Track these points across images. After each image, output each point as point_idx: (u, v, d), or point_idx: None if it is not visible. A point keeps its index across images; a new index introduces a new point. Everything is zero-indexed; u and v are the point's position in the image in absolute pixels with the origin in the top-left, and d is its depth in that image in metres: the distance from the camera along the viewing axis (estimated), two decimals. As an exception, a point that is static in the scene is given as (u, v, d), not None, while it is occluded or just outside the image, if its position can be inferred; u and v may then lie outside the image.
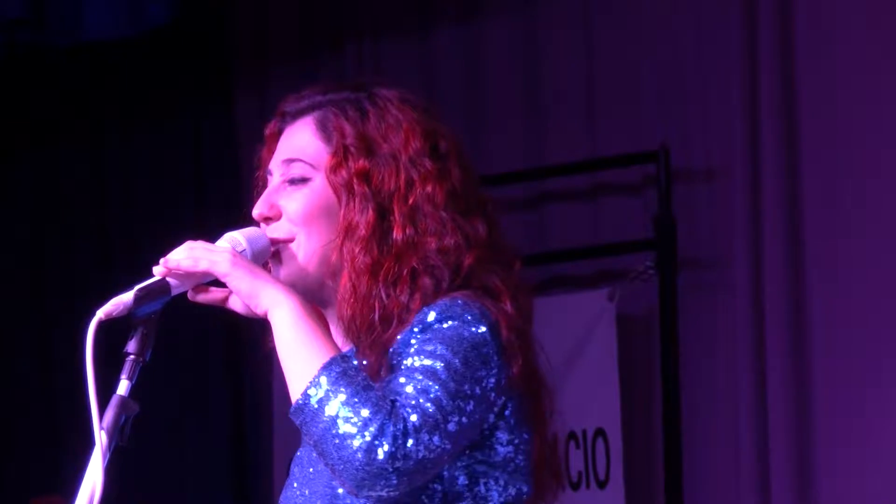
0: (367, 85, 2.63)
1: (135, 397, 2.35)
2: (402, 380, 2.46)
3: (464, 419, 2.42)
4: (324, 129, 2.66)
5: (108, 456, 2.33)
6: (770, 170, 5.13)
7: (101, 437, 2.33)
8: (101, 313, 2.36)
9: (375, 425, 2.41)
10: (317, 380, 2.47)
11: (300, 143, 2.67)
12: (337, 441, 2.41)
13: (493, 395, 2.46)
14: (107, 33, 5.80)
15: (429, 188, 2.57)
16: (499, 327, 2.51)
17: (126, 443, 2.35)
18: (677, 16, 5.50)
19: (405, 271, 2.56)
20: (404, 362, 2.51)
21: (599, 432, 5.20)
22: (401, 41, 6.09)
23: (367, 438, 2.38)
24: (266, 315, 2.53)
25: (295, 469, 2.69)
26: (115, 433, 2.35)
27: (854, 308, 4.89)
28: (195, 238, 2.59)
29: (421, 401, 2.42)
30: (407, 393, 2.44)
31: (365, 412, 2.44)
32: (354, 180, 2.59)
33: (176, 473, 6.08)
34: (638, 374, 5.38)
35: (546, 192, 5.62)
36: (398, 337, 2.52)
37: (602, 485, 5.21)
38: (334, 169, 2.62)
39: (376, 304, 2.54)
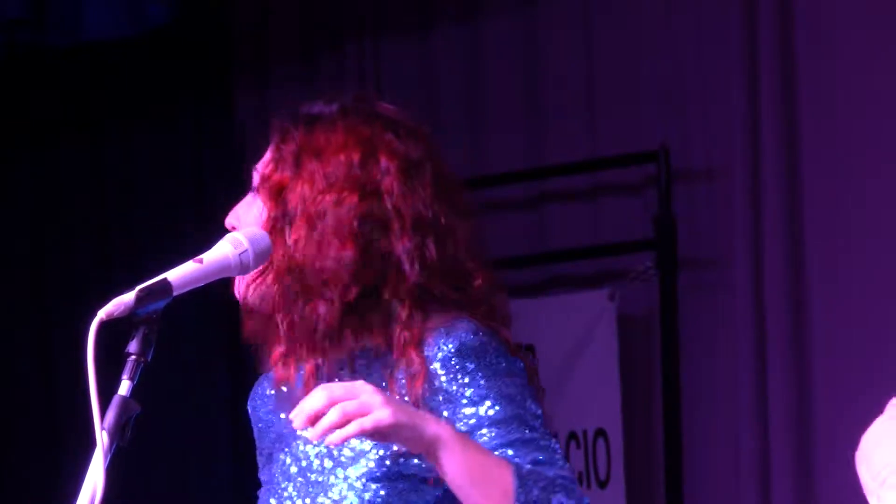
0: (338, 97, 2.73)
1: (136, 398, 2.34)
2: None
3: None
4: (276, 150, 2.75)
5: (109, 457, 2.33)
6: (770, 170, 5.13)
7: (102, 438, 2.32)
8: (102, 313, 2.35)
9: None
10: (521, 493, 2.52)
11: (266, 155, 2.75)
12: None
13: None
14: (106, 33, 5.85)
15: (436, 195, 2.66)
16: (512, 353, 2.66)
17: (127, 444, 2.34)
18: (677, 15, 5.50)
19: (439, 269, 2.65)
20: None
21: (600, 432, 5.21)
22: (401, 41, 6.09)
23: None
24: (430, 453, 2.56)
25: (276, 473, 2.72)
26: (117, 434, 2.34)
27: (855, 308, 4.90)
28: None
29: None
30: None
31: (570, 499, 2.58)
32: (283, 192, 2.70)
33: (177, 475, 5.92)
34: (638, 374, 5.37)
35: (546, 192, 5.62)
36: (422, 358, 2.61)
37: (602, 485, 5.22)
38: (262, 181, 2.72)
39: (371, 307, 2.62)
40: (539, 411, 2.66)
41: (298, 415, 2.47)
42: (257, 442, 2.85)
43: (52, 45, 6.12)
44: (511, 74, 5.80)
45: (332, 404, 2.43)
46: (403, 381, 2.64)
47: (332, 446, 2.55)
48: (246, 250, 2.59)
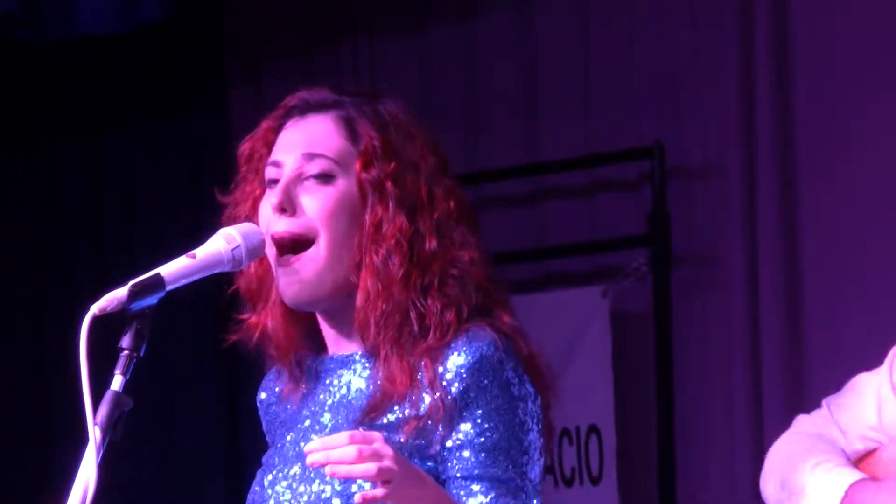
0: (377, 94, 2.75)
1: (129, 393, 2.34)
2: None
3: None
4: (349, 129, 2.71)
5: (101, 451, 2.32)
6: (765, 167, 5.19)
7: (94, 433, 2.31)
8: (94, 308, 2.36)
9: None
10: None
11: (322, 139, 2.71)
12: None
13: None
14: (99, 29, 5.87)
15: (451, 203, 2.67)
16: (529, 367, 2.64)
17: (120, 438, 2.33)
18: (672, 13, 5.56)
19: (435, 280, 2.66)
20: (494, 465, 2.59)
21: (593, 429, 5.27)
22: (397, 37, 6.13)
23: None
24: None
25: (276, 460, 2.75)
26: (109, 429, 2.34)
27: (849, 306, 4.96)
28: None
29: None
30: None
31: None
32: (388, 182, 2.66)
33: (168, 471, 5.92)
34: (632, 371, 5.43)
35: (542, 189, 5.68)
36: (435, 370, 2.62)
37: (595, 481, 5.29)
38: (366, 167, 2.67)
39: (411, 311, 2.64)
40: (535, 444, 2.63)
41: (318, 449, 2.49)
42: (265, 430, 2.90)
43: (45, 40, 6.19)
44: (507, 71, 5.86)
45: (351, 443, 2.47)
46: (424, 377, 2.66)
47: (335, 478, 2.59)
48: (238, 245, 2.58)
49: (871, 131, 5.07)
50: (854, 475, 3.12)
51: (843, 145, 5.13)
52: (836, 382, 3.54)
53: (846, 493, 3.09)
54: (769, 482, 3.23)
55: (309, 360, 2.82)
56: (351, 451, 2.42)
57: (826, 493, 3.12)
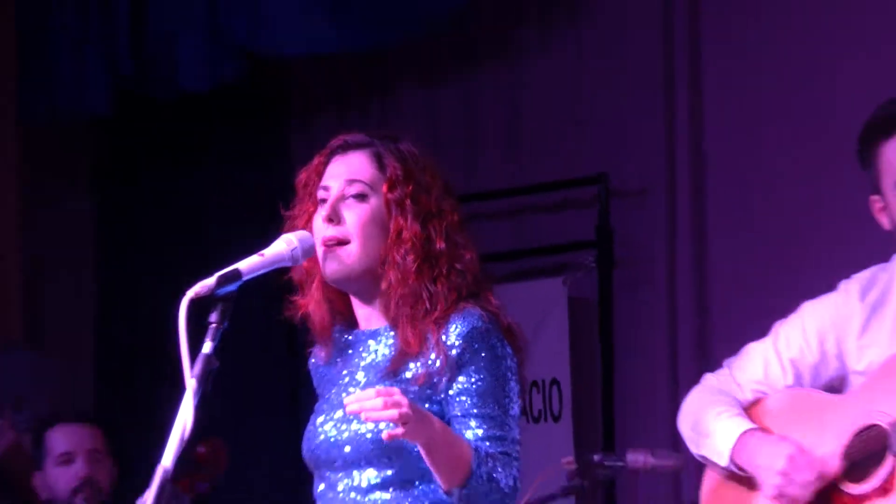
0: (397, 136, 2.94)
1: (216, 356, 2.59)
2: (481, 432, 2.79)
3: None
4: (379, 162, 2.88)
5: (196, 399, 2.53)
6: (682, 192, 5.44)
7: (190, 384, 2.53)
8: (191, 293, 2.58)
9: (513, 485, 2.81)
10: (474, 471, 2.77)
11: (359, 169, 2.89)
12: (490, 498, 2.78)
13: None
14: (194, 88, 6.03)
15: (455, 217, 2.88)
16: (508, 335, 2.88)
17: (209, 389, 2.56)
18: (616, 76, 5.73)
19: (441, 270, 2.85)
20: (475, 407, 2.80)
21: (554, 381, 5.52)
22: (412, 95, 6.26)
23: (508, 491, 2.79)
24: (423, 447, 2.79)
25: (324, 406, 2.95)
26: (201, 382, 2.54)
27: (745, 293, 5.14)
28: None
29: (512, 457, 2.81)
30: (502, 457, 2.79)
31: (509, 481, 2.83)
32: (407, 199, 2.85)
33: (245, 415, 5.85)
34: (583, 339, 5.64)
35: (519, 206, 5.84)
36: (440, 335, 2.81)
37: (556, 419, 5.53)
38: (391, 189, 2.85)
39: (423, 293, 2.82)
40: (514, 390, 2.88)
41: (354, 401, 2.70)
42: (315, 385, 3.11)
43: (150, 96, 6.29)
44: (496, 117, 6.03)
45: (377, 397, 2.66)
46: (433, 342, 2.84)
47: (366, 421, 2.78)
48: (296, 247, 2.81)
49: (766, 163, 5.27)
50: (746, 424, 3.35)
51: (745, 171, 5.35)
52: (732, 350, 3.52)
53: (739, 438, 3.31)
54: (684, 424, 3.48)
55: (343, 334, 3.00)
56: (378, 402, 2.61)
57: (725, 437, 3.35)
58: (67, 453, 4.74)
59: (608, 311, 5.54)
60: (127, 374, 6.57)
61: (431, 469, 2.79)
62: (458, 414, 2.82)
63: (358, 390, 2.87)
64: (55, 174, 6.87)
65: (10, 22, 6.41)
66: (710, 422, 3.40)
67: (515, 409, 2.86)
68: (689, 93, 5.47)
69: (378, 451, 2.82)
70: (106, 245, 6.85)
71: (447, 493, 2.80)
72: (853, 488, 3.26)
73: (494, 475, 2.78)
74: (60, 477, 4.76)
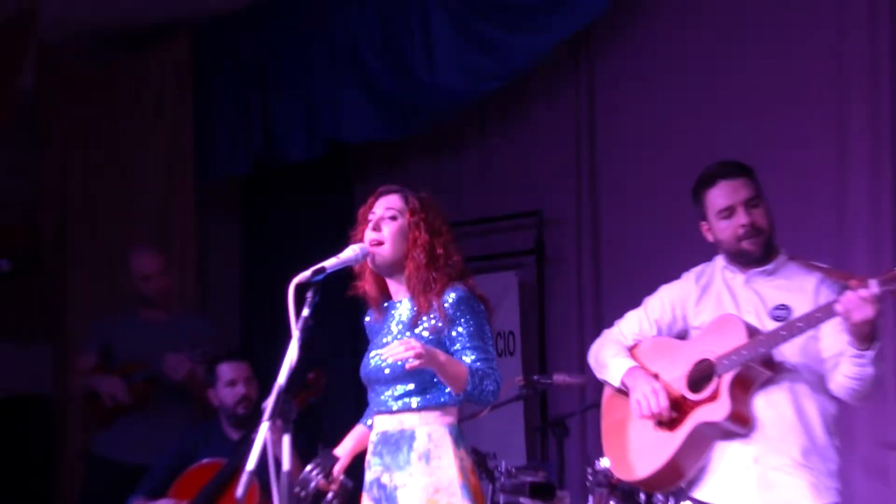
0: (418, 187, 3.24)
1: (310, 318, 2.82)
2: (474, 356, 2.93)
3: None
4: (405, 199, 3.18)
5: (300, 343, 2.76)
6: (585, 219, 5.81)
7: (295, 335, 2.79)
8: (296, 280, 2.81)
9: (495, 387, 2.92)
10: (470, 380, 2.97)
11: (393, 203, 3.17)
12: (486, 394, 3.00)
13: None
14: (298, 158, 6.53)
15: (448, 234, 3.19)
16: (481, 300, 3.13)
17: (309, 338, 2.78)
18: (541, 158, 5.97)
19: (441, 264, 3.12)
20: (462, 341, 3.03)
21: (511, 332, 5.97)
22: (427, 162, 6.56)
23: (497, 386, 2.98)
24: (431, 366, 2.90)
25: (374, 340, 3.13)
26: (302, 333, 2.77)
27: (627, 281, 5.27)
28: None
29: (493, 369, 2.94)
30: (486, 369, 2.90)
31: (493, 386, 2.98)
32: (421, 222, 3.12)
33: (333, 360, 5.60)
34: (527, 308, 5.96)
35: (490, 229, 6.23)
36: (440, 301, 3.01)
37: (511, 354, 5.93)
38: (412, 216, 3.12)
39: (429, 278, 3.10)
40: (489, 333, 3.15)
41: (387, 351, 2.97)
42: (368, 335, 3.33)
43: (271, 163, 6.72)
44: (475, 176, 6.38)
45: (400, 345, 2.91)
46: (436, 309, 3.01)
47: (396, 361, 2.96)
48: (358, 252, 3.12)
49: (638, 199, 5.52)
50: (630, 363, 3.47)
51: (627, 204, 5.58)
52: (618, 314, 3.68)
53: (627, 371, 3.46)
54: (591, 359, 3.64)
55: (383, 303, 3.24)
56: (400, 348, 2.88)
57: (617, 369, 3.50)
58: (232, 380, 4.87)
59: (542, 290, 5.88)
60: (260, 328, 6.90)
61: (444, 381, 2.97)
62: (458, 348, 3.06)
63: (391, 338, 3.10)
64: (217, 208, 7.29)
65: (188, 107, 6.74)
66: (608, 359, 3.53)
67: (491, 342, 3.14)
68: (588, 166, 5.76)
69: (404, 373, 3.06)
70: (248, 251, 7.43)
71: (456, 395, 3.03)
72: (694, 397, 3.34)
73: (485, 381, 3.02)
74: (228, 395, 4.89)
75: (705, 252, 3.51)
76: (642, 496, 3.85)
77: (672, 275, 3.57)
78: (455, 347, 2.99)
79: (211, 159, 6.71)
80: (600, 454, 3.71)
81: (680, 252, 3.96)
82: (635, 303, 3.62)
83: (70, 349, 6.40)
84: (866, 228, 4.42)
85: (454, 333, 3.00)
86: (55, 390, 6.76)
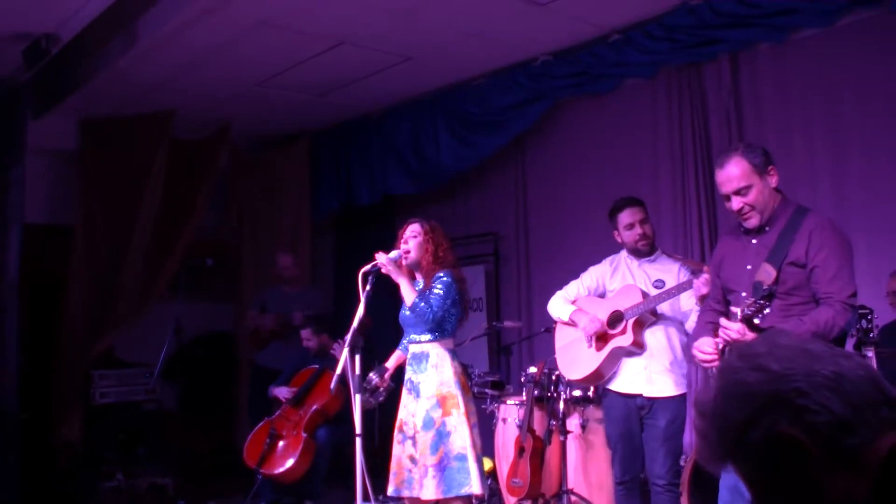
0: (430, 218, 3.61)
1: (371, 296, 3.21)
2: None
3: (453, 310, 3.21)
4: (422, 226, 3.61)
5: (364, 306, 3.10)
6: (521, 237, 6.21)
7: (363, 302, 3.15)
8: (363, 269, 3.16)
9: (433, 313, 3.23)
10: (417, 301, 3.21)
11: (415, 228, 3.56)
12: (424, 315, 3.18)
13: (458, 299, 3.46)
14: (365, 203, 6.78)
15: (447, 246, 3.59)
16: (459, 281, 3.52)
17: (368, 304, 3.07)
18: (495, 203, 6.42)
19: (441, 261, 3.51)
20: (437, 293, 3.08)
21: (480, 298, 6.41)
22: (437, 204, 6.80)
23: (431, 316, 3.23)
24: (398, 279, 3.25)
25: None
26: (366, 301, 3.11)
27: (557, 275, 5.02)
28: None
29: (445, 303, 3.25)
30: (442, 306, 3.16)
31: (429, 309, 3.32)
32: (430, 239, 3.52)
33: (382, 313, 5.59)
34: (490, 286, 6.42)
35: (470, 241, 6.54)
36: (434, 279, 3.30)
37: (481, 311, 6.31)
38: (425, 235, 3.50)
39: (433, 269, 3.51)
40: (448, 295, 3.36)
41: (379, 257, 3.23)
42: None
43: (352, 206, 6.90)
44: (460, 212, 6.74)
45: (376, 255, 3.31)
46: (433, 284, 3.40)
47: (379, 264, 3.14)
48: (399, 254, 3.50)
49: (556, 220, 5.79)
50: (575, 308, 3.72)
51: (551, 226, 5.89)
52: (542, 291, 4.08)
53: (573, 312, 3.69)
54: (550, 308, 3.80)
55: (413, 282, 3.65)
56: (383, 258, 3.10)
57: (566, 311, 3.72)
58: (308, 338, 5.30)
59: (497, 275, 6.50)
60: (345, 297, 7.15)
61: (402, 293, 3.24)
62: (427, 293, 3.33)
63: (416, 298, 3.39)
64: (322, 231, 7.82)
65: (307, 176, 7.25)
66: (560, 306, 3.83)
67: (443, 300, 3.37)
68: (523, 207, 6.21)
69: (420, 321, 3.25)
70: (338, 254, 7.93)
71: (409, 308, 3.29)
72: (611, 331, 3.56)
73: (422, 304, 3.30)
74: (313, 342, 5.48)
75: (615, 248, 3.82)
76: (552, 388, 4.17)
77: (595, 261, 3.93)
78: (428, 294, 3.44)
79: (319, 204, 7.34)
80: (530, 365, 4.13)
81: (600, 249, 4.25)
82: (551, 285, 3.93)
83: (244, 307, 7.12)
84: (696, 237, 4.94)
85: (429, 292, 3.46)
86: (235, 329, 7.64)
